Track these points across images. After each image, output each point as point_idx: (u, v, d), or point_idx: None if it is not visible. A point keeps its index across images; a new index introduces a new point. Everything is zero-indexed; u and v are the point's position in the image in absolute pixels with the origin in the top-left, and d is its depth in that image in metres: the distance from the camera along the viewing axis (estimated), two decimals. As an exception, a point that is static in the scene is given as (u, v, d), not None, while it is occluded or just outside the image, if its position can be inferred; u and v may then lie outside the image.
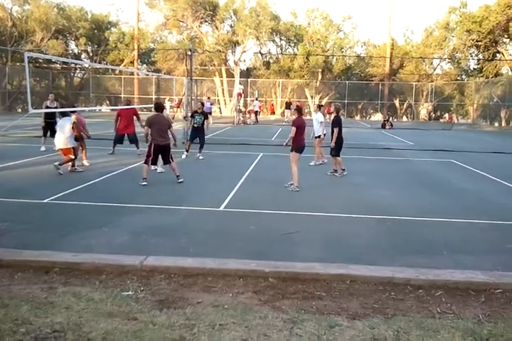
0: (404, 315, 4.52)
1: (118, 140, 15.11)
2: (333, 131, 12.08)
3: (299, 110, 10.64)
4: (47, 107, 14.98)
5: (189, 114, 19.22)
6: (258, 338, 3.90)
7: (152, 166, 11.90)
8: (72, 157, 11.61)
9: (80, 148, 12.93)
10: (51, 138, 15.10)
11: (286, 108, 39.05)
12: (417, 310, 4.64)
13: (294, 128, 10.20)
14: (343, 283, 5.26)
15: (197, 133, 14.75)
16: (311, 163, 13.75)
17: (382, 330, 4.11)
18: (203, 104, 15.56)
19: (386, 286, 5.19)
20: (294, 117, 10.90)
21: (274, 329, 4.06)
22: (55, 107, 15.10)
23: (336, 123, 12.06)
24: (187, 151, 14.85)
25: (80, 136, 12.58)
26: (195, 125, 14.65)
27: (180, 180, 10.76)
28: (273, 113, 45.05)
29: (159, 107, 11.14)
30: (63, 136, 11.43)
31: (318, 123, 13.78)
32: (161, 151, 10.68)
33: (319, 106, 14.79)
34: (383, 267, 5.66)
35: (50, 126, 15.17)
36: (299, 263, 5.66)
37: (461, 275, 5.43)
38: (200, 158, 14.78)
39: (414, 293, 5.06)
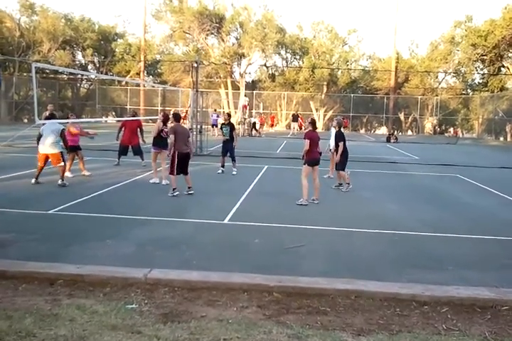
0: (410, 331, 4.48)
1: (122, 151, 15.16)
2: (337, 145, 12.05)
3: (313, 123, 10.62)
4: (46, 118, 15.05)
5: (199, 127, 19.29)
6: (262, 353, 3.88)
7: (153, 180, 12.31)
8: (62, 164, 11.39)
9: (77, 158, 13.04)
10: None
11: (292, 120, 39.05)
12: (422, 327, 4.61)
13: (307, 141, 10.18)
14: (348, 298, 5.23)
15: (226, 147, 14.42)
16: (324, 176, 13.66)
17: (387, 347, 4.08)
18: (229, 115, 15.35)
19: (391, 302, 5.16)
20: (305, 130, 10.87)
21: (278, 345, 4.04)
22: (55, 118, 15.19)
23: (341, 137, 12.01)
24: (222, 167, 14.52)
25: (74, 147, 12.71)
26: (225, 137, 14.36)
27: (191, 192, 10.86)
28: (272, 125, 45.01)
29: (179, 117, 11.27)
30: (50, 141, 11.25)
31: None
32: (184, 160, 10.73)
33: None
34: (389, 283, 5.63)
35: None
36: (304, 278, 5.63)
37: (467, 291, 5.39)
38: (234, 173, 14.34)
39: (420, 309, 5.03)
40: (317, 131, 10.72)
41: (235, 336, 4.16)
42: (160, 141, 12.38)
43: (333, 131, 13.88)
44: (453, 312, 5.00)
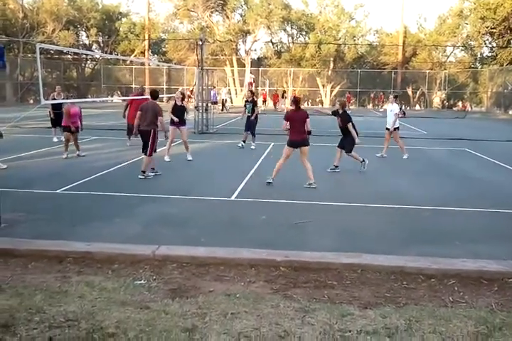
0: (417, 304, 4.50)
1: (131, 130, 15.08)
2: (345, 127, 11.22)
3: (296, 102, 9.76)
4: (54, 99, 15.11)
5: (200, 104, 19.32)
6: (270, 327, 3.90)
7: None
8: None
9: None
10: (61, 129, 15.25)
11: (281, 97, 38.74)
12: (429, 299, 4.62)
13: (286, 122, 9.53)
14: (355, 272, 5.24)
15: (249, 123, 14.99)
16: (377, 155, 13.68)
17: (394, 319, 4.09)
18: (252, 92, 15.91)
19: (398, 275, 5.17)
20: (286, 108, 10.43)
21: (285, 318, 4.07)
22: (62, 99, 15.22)
23: (347, 118, 11.18)
24: (243, 142, 15.02)
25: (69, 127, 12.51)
26: (248, 114, 15.01)
27: (141, 177, 10.11)
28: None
29: (152, 94, 10.75)
30: None
31: (392, 114, 13.42)
32: (143, 138, 10.33)
33: (396, 97, 14.12)
34: (395, 256, 5.64)
35: (58, 117, 15.35)
36: (311, 253, 5.65)
37: (473, 264, 5.39)
38: (252, 147, 14.92)
39: (427, 282, 5.04)
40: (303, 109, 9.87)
41: (243, 310, 4.20)
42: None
43: (389, 107, 13.76)
44: (460, 284, 5.00)
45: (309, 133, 9.81)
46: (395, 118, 13.41)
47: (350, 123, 11.11)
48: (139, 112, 10.40)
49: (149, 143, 10.12)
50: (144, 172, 10.12)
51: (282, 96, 38.53)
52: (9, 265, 5.29)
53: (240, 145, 14.98)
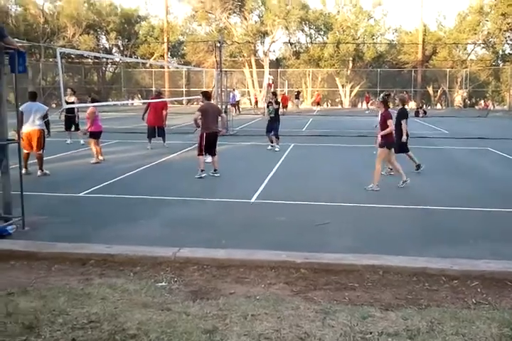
0: (439, 305, 4.45)
1: (152, 133, 15.17)
2: (400, 124, 10.76)
3: (385, 102, 9.92)
4: (67, 102, 15.28)
5: (224, 107, 19.36)
6: (290, 329, 3.90)
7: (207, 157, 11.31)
8: (41, 152, 10.62)
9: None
10: (75, 132, 15.52)
11: (295, 98, 39.13)
12: (451, 301, 4.57)
13: (390, 121, 9.54)
14: (376, 273, 5.21)
15: (271, 125, 14.95)
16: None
17: (415, 321, 4.06)
18: (274, 94, 16.02)
19: (420, 277, 5.12)
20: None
21: (306, 320, 4.06)
22: (73, 102, 15.44)
23: (404, 115, 10.96)
24: (272, 142, 14.98)
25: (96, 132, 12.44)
26: (270, 115, 14.97)
27: (216, 175, 10.63)
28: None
29: (208, 95, 10.93)
30: (31, 120, 10.60)
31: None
32: (212, 140, 10.61)
33: (387, 96, 13.74)
34: (417, 257, 5.58)
35: (71, 121, 15.97)
36: (331, 254, 5.63)
37: (497, 265, 5.31)
38: (276, 149, 14.75)
39: (449, 284, 4.98)
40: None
41: (263, 312, 4.20)
42: None
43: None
44: (483, 286, 4.93)
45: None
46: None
47: (405, 120, 10.90)
48: (199, 113, 10.49)
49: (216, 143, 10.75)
50: (215, 170, 10.70)
51: (297, 97, 38.84)
52: (33, 268, 5.37)
53: (271, 148, 14.87)
